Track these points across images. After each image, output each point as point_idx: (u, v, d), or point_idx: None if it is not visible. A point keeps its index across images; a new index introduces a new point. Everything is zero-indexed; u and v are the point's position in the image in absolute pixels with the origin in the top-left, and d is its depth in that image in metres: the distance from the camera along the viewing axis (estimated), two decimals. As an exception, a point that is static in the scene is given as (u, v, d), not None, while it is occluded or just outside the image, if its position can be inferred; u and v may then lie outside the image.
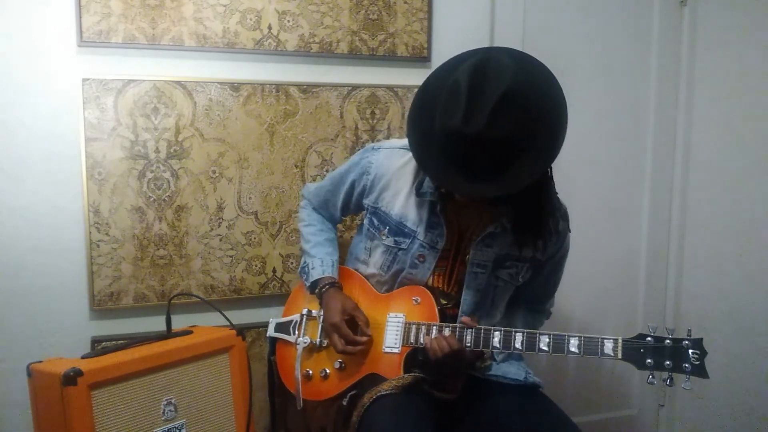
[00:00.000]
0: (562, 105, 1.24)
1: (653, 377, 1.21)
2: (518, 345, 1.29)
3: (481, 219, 1.41)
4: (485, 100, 1.15)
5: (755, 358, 2.05)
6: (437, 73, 1.33)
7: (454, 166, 1.23)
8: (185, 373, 1.46)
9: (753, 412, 2.07)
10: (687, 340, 1.20)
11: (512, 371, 1.46)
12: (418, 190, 1.41)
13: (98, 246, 1.70)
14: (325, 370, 1.46)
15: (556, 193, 1.43)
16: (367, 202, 1.48)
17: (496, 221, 1.38)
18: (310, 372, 1.48)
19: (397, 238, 1.43)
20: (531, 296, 1.54)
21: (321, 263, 1.52)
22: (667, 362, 1.19)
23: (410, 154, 1.44)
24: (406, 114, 1.93)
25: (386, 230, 1.44)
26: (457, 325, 1.34)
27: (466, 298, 1.40)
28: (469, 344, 1.32)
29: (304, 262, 1.56)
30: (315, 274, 1.51)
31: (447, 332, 1.33)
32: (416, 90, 1.84)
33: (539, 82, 1.23)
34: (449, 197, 1.39)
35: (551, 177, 1.36)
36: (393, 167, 1.45)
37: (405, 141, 1.50)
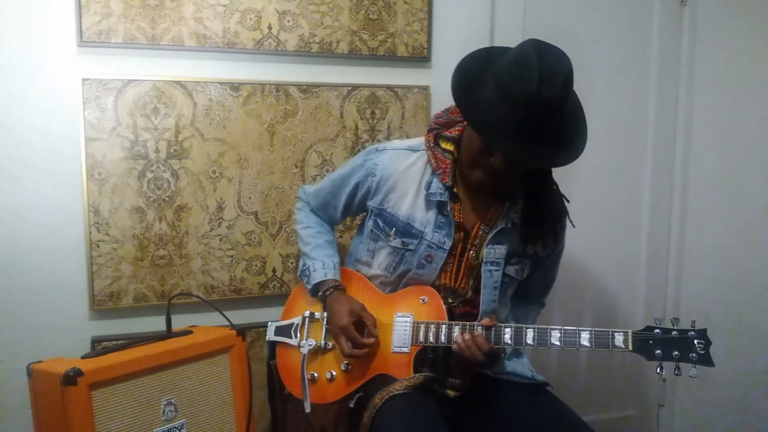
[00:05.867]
0: None
1: (662, 368, 1.24)
2: (529, 341, 1.30)
3: (486, 214, 1.42)
4: (558, 70, 1.21)
5: (755, 358, 2.05)
6: (485, 51, 1.37)
7: (524, 135, 1.23)
8: (185, 373, 1.46)
9: (753, 411, 2.07)
10: (692, 330, 1.24)
11: (519, 369, 1.47)
12: (428, 191, 1.41)
13: (98, 246, 1.70)
14: (331, 373, 1.45)
15: (560, 194, 1.46)
16: (371, 203, 1.48)
17: (506, 217, 1.40)
18: (315, 375, 1.47)
19: (404, 240, 1.43)
20: (530, 290, 1.56)
21: (322, 266, 1.51)
22: (675, 352, 1.23)
23: (415, 155, 1.46)
24: (405, 114, 1.93)
25: (393, 232, 1.44)
26: (467, 323, 1.34)
27: (485, 297, 1.41)
28: None
29: (305, 265, 1.55)
30: (317, 277, 1.50)
31: (456, 336, 1.33)
32: (416, 89, 1.84)
33: None
34: (458, 197, 1.41)
35: (551, 173, 1.41)
36: (399, 168, 1.45)
37: (409, 142, 1.51)
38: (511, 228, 1.40)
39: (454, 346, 1.33)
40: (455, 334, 1.34)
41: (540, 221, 1.41)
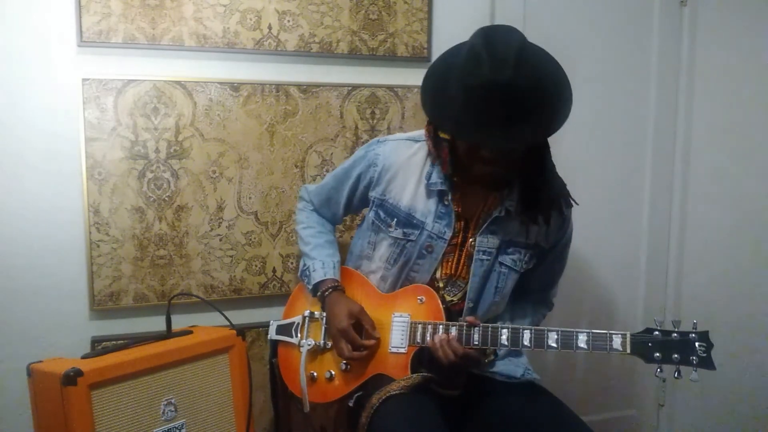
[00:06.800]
0: (561, 67, 1.32)
1: (661, 371, 1.22)
2: (526, 342, 1.29)
3: (485, 204, 1.42)
4: (507, 52, 1.21)
5: (755, 358, 2.05)
6: (442, 57, 1.37)
7: (484, 121, 1.24)
8: (185, 373, 1.46)
9: (753, 411, 2.07)
10: (693, 332, 1.22)
11: (508, 369, 1.46)
12: (428, 180, 1.41)
13: (98, 246, 1.70)
14: (330, 372, 1.45)
15: (557, 175, 1.44)
16: (373, 194, 1.48)
17: (501, 205, 1.39)
18: (315, 374, 1.48)
19: (405, 230, 1.43)
20: (535, 285, 1.54)
21: (322, 265, 1.51)
22: (675, 355, 1.21)
23: (417, 145, 1.46)
24: (405, 114, 1.93)
25: (394, 222, 1.44)
26: (464, 323, 1.34)
27: (472, 286, 1.41)
28: (477, 342, 1.32)
29: (305, 265, 1.55)
30: (317, 277, 1.50)
31: (453, 333, 1.33)
32: (416, 89, 1.85)
33: (541, 48, 1.32)
34: (458, 186, 1.40)
35: (549, 154, 1.39)
36: (400, 159, 1.45)
37: (410, 133, 1.51)
38: (506, 216, 1.40)
39: (429, 343, 1.34)
40: (438, 333, 1.35)
41: (537, 200, 1.39)
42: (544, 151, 1.38)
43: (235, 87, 1.78)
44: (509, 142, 1.27)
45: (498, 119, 1.23)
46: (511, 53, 1.21)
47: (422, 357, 1.40)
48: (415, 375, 1.35)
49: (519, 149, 1.32)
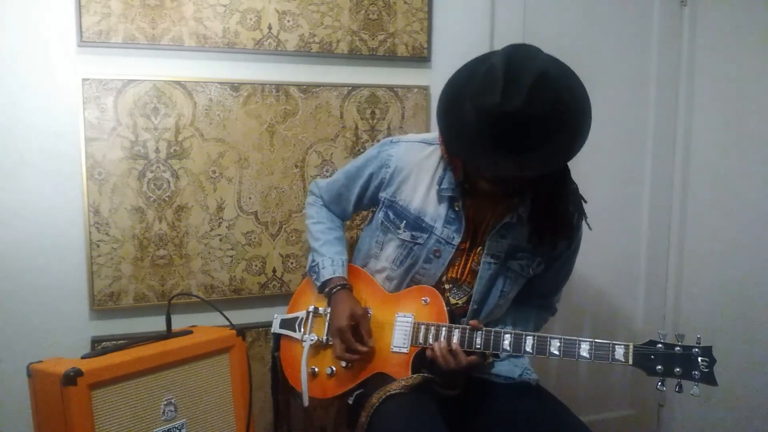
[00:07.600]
0: (587, 95, 1.29)
1: (663, 383, 1.21)
2: (529, 349, 1.29)
3: (495, 210, 1.41)
4: (523, 79, 1.16)
5: (755, 358, 2.05)
6: (465, 68, 1.33)
7: (489, 146, 1.21)
8: (185, 373, 1.46)
9: (752, 411, 2.07)
10: (697, 347, 1.21)
11: (509, 369, 1.47)
12: (440, 186, 1.41)
13: (98, 246, 1.70)
14: (332, 368, 1.46)
15: (577, 189, 1.43)
16: (384, 195, 1.48)
17: (513, 212, 1.39)
18: (316, 369, 1.48)
19: (414, 233, 1.43)
20: (540, 290, 1.54)
21: (332, 263, 1.51)
22: (677, 369, 1.20)
23: (430, 149, 1.45)
24: (405, 114, 1.93)
25: (403, 224, 1.44)
26: (467, 327, 1.34)
27: (478, 289, 1.41)
28: (479, 346, 1.32)
29: (313, 261, 1.55)
30: (326, 274, 1.50)
31: (456, 338, 1.33)
32: (416, 89, 1.85)
33: (568, 72, 1.28)
34: (469, 193, 1.40)
35: (568, 169, 1.37)
36: (413, 161, 1.45)
37: (424, 135, 1.51)
38: (517, 222, 1.39)
39: (428, 353, 1.34)
40: (442, 338, 1.34)
41: (546, 220, 1.38)
42: (560, 174, 1.35)
43: (235, 87, 1.78)
44: (508, 172, 1.25)
45: (498, 148, 1.20)
46: (526, 81, 1.16)
47: (424, 357, 1.40)
48: (415, 375, 1.35)
49: (523, 177, 1.30)
